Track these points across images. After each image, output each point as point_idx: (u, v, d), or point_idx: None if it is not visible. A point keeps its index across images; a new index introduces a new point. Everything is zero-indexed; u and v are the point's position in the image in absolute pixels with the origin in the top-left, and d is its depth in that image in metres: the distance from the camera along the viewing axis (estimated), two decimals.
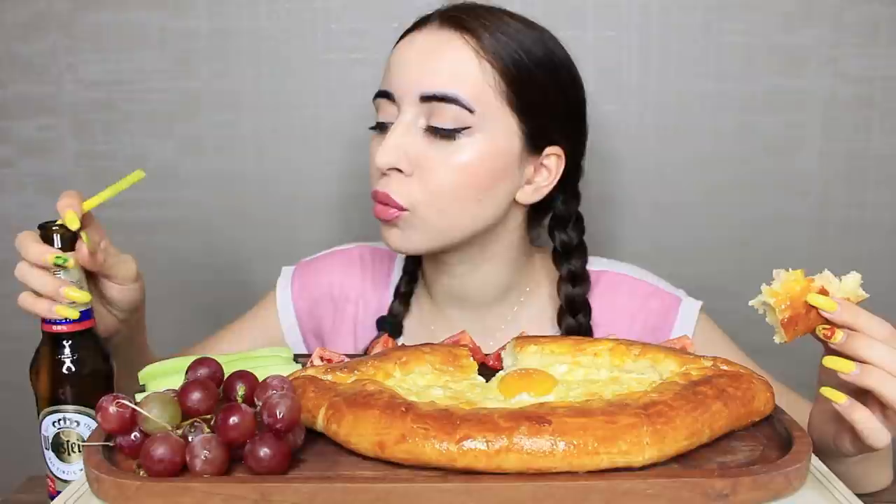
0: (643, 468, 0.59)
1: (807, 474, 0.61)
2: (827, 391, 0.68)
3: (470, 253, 0.93)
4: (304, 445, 0.64)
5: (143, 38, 1.24)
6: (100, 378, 0.77)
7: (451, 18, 0.87)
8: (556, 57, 0.91)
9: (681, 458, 0.61)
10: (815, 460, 0.66)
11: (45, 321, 0.76)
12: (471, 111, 0.84)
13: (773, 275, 0.69)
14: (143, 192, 1.30)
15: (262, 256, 1.30)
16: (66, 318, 0.75)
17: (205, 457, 0.59)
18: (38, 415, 0.77)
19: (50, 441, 0.76)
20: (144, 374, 0.78)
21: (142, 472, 0.59)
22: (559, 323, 0.96)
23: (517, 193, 0.91)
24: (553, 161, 0.91)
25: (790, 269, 0.69)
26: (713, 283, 1.26)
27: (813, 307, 0.68)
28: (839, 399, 0.67)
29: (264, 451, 0.59)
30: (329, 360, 0.77)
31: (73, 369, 0.75)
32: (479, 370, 0.76)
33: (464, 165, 0.85)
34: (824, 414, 0.75)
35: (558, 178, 0.92)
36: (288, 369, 0.76)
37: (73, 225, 0.75)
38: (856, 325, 0.67)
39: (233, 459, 0.61)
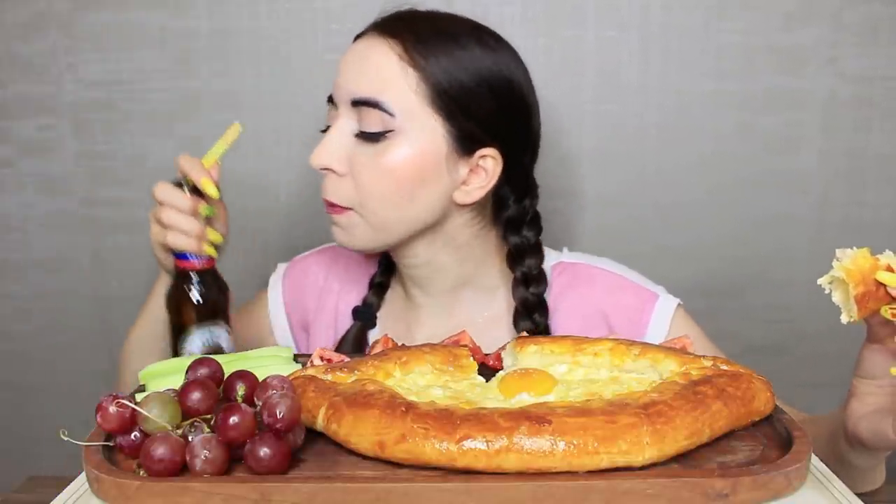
0: (643, 468, 0.59)
1: (807, 474, 0.61)
2: None
3: (416, 249, 0.95)
4: (304, 445, 0.64)
5: (143, 38, 1.24)
6: (220, 306, 0.88)
7: (381, 25, 0.91)
8: (489, 61, 0.89)
9: (681, 458, 0.61)
10: (815, 460, 0.66)
11: (180, 258, 0.87)
12: (392, 115, 0.87)
13: (836, 254, 0.68)
14: (144, 191, 1.30)
15: (261, 256, 1.30)
16: (206, 256, 0.87)
17: (205, 457, 0.59)
18: (176, 338, 0.88)
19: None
20: (144, 374, 0.78)
21: (142, 472, 0.60)
22: (515, 324, 0.97)
23: (454, 194, 0.91)
24: (490, 163, 0.91)
25: (855, 248, 0.68)
26: (713, 283, 1.26)
27: (881, 285, 0.67)
28: None
29: (264, 451, 0.59)
30: (329, 360, 0.77)
31: (200, 300, 0.87)
32: (479, 370, 0.76)
33: (389, 168, 0.88)
34: (876, 406, 0.74)
35: (495, 179, 0.92)
36: (288, 369, 0.76)
37: (212, 190, 0.87)
38: None
39: (233, 459, 0.61)
